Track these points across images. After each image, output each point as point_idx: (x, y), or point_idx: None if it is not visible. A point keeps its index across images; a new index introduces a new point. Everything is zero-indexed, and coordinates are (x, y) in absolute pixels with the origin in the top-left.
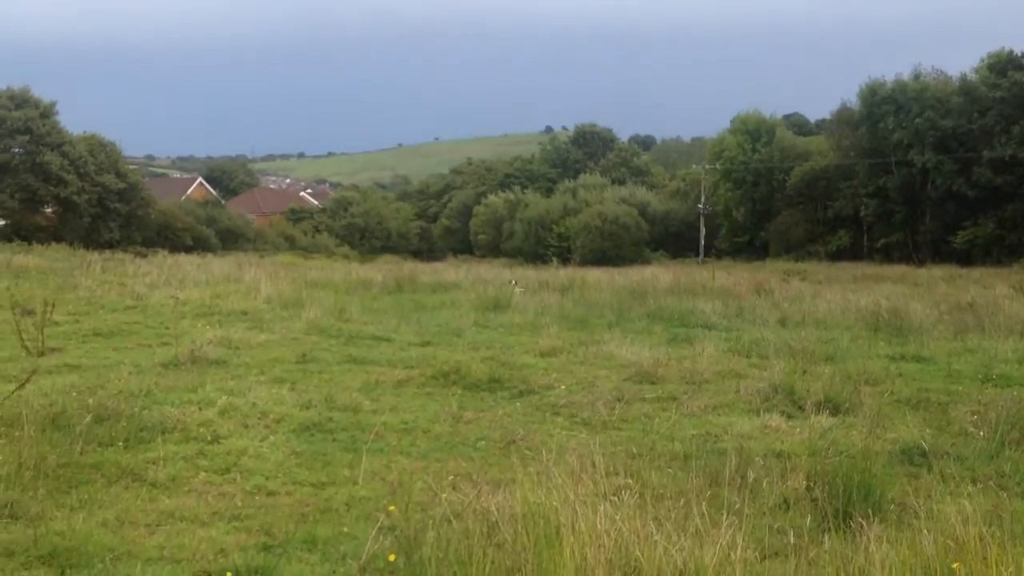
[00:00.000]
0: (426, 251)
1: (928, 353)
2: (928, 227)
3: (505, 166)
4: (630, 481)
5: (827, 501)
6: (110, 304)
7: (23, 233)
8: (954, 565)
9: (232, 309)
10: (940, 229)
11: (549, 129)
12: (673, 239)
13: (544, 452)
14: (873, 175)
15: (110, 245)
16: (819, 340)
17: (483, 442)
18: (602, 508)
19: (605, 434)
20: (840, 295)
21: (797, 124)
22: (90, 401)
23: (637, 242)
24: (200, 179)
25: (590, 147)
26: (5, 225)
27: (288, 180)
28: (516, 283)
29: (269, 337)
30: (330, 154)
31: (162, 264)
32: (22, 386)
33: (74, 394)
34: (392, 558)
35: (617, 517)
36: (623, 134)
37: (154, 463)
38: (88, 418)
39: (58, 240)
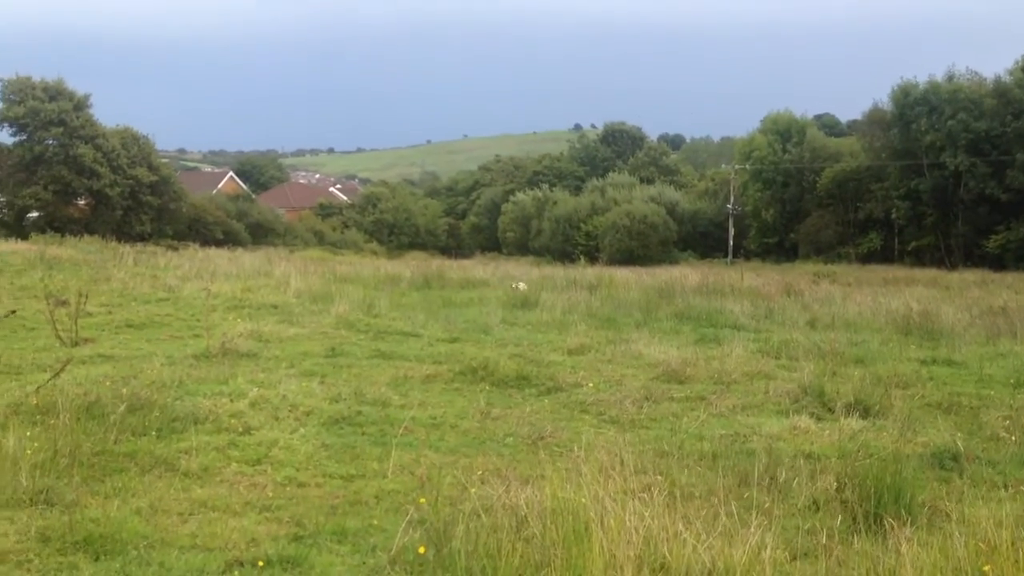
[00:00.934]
0: (454, 248)
1: (960, 357)
2: (960, 230)
3: (534, 164)
4: (659, 479)
5: (857, 503)
6: (142, 296)
7: (56, 224)
8: (985, 568)
9: (262, 302)
10: (972, 233)
11: (578, 127)
12: (701, 239)
13: (573, 449)
14: (905, 177)
15: (142, 238)
16: (849, 342)
17: (511, 438)
18: (631, 505)
19: (633, 432)
20: (870, 298)
21: (828, 125)
22: (124, 391)
23: (665, 242)
24: (231, 173)
25: (619, 145)
26: (38, 216)
27: (318, 175)
28: (519, 285)
29: (299, 331)
30: (359, 150)
31: (193, 257)
32: (57, 375)
33: (108, 384)
34: (422, 550)
35: (646, 514)
36: (652, 133)
37: (186, 453)
38: (122, 407)
39: (90, 232)
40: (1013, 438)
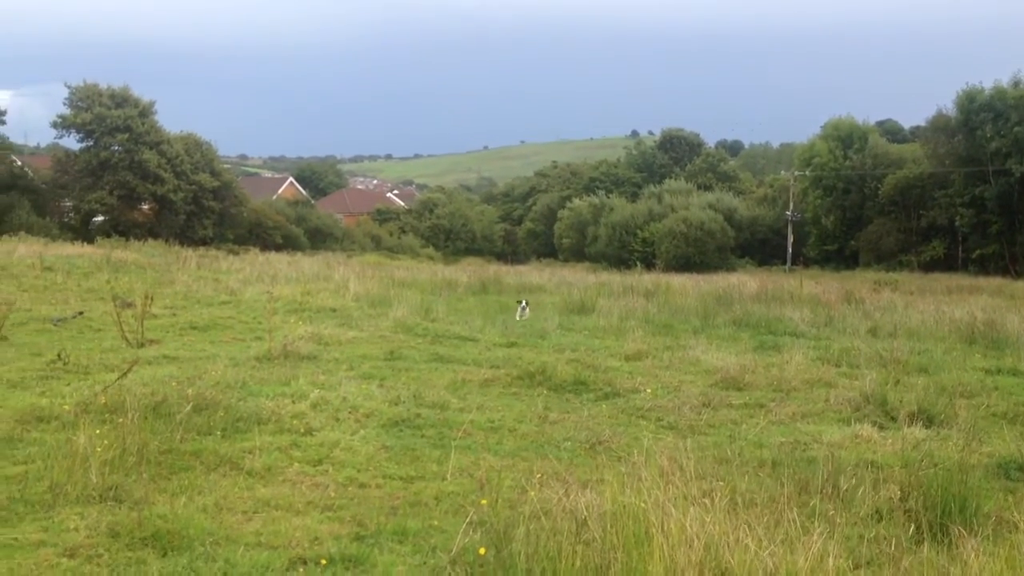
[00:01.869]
0: (510, 254)
1: None
2: None
3: (590, 170)
4: (719, 485)
5: (922, 512)
6: (205, 299)
7: (121, 228)
8: None
9: (322, 306)
10: None
11: (635, 133)
12: (759, 246)
13: (632, 454)
14: (969, 184)
15: (204, 242)
16: (911, 351)
17: (569, 442)
18: (692, 511)
19: (692, 438)
20: (933, 306)
21: (891, 131)
22: (189, 391)
23: (722, 248)
24: (291, 179)
25: (676, 152)
26: (104, 220)
27: (375, 181)
28: (526, 304)
29: (358, 334)
30: (416, 156)
31: (254, 261)
32: (124, 375)
33: (173, 384)
34: (482, 551)
35: (707, 520)
36: (710, 139)
37: (250, 452)
38: (188, 407)
39: (154, 236)
40: None
